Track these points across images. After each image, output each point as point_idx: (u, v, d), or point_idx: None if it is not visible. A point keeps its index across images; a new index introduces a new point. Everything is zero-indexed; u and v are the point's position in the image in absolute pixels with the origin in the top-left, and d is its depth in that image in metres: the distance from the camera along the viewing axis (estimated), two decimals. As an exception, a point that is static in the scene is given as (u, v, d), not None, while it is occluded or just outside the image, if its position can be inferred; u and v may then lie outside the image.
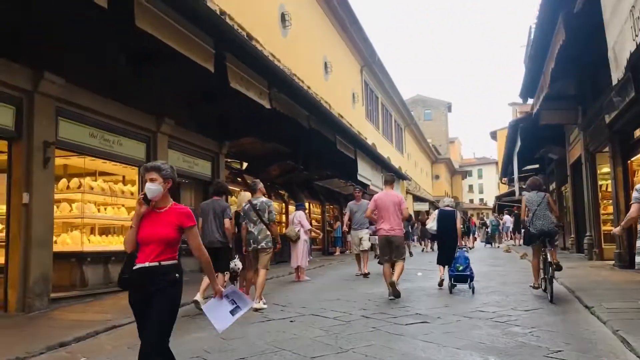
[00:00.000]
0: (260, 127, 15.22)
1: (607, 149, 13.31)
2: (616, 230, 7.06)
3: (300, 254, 12.55)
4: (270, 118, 14.12)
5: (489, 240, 30.54)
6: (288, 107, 13.78)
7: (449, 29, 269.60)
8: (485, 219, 45.57)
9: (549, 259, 8.28)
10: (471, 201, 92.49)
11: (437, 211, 10.73)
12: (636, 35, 5.62)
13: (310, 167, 21.23)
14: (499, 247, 28.09)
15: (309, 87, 18.85)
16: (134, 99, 10.72)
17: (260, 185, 8.77)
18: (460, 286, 9.51)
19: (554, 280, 8.28)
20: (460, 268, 9.34)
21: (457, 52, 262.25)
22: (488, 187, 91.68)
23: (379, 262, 10.39)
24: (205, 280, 8.00)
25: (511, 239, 33.10)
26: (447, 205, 10.54)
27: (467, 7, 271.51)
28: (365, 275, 12.52)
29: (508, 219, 32.51)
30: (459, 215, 10.39)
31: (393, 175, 10.76)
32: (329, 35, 27.31)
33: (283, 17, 20.93)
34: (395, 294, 8.56)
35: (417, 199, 47.12)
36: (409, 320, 6.73)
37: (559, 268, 8.42)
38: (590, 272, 11.24)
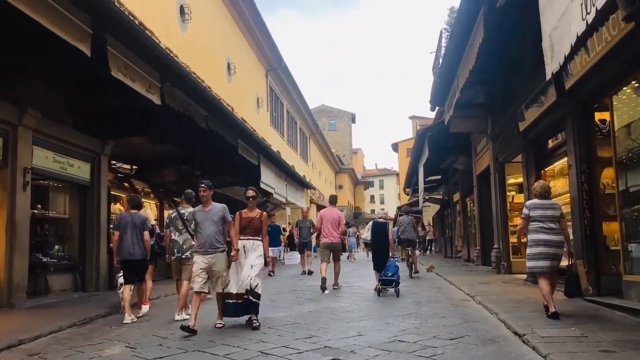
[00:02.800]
0: (151, 126, 13.53)
1: (518, 158, 12.89)
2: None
3: None
4: (163, 116, 12.53)
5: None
6: (183, 105, 12.22)
7: (355, 41, 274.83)
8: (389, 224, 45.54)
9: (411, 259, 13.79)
10: (372, 211, 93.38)
11: (371, 223, 11.95)
12: (587, 13, 4.75)
13: (209, 172, 19.65)
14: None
15: (209, 88, 17.34)
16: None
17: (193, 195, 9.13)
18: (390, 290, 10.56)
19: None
20: (390, 274, 10.55)
21: (361, 63, 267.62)
22: (389, 197, 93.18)
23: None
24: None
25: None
26: (381, 217, 11.99)
27: (372, 19, 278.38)
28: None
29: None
30: (390, 227, 11.99)
31: (335, 196, 13.22)
32: (233, 35, 25.86)
33: (182, 10, 19.30)
34: (323, 287, 11.28)
35: (321, 208, 46.34)
36: (316, 357, 5.50)
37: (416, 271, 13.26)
38: (505, 289, 10.57)
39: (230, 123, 15.95)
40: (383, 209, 16.61)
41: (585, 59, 7.65)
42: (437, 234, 35.89)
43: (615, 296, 7.87)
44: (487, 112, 15.01)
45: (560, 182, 11.33)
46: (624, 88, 7.60)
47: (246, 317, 7.54)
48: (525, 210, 7.36)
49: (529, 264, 7.37)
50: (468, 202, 21.97)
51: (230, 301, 7.50)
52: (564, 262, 7.46)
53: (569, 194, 10.15)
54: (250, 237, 7.73)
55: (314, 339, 6.39)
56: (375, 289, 10.88)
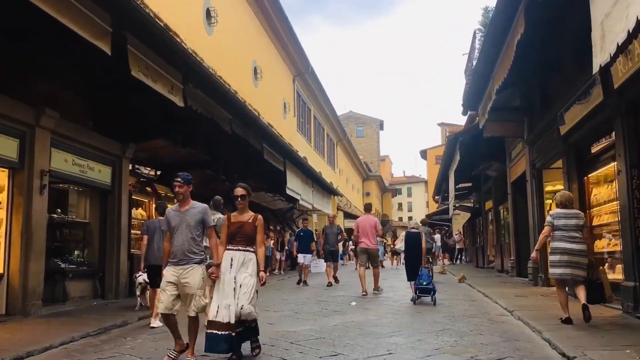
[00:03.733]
0: (174, 129, 13.22)
1: (557, 164, 12.16)
2: (533, 255, 8.15)
3: None
4: (186, 119, 12.20)
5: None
6: (207, 108, 11.87)
7: (383, 47, 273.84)
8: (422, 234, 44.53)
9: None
10: (400, 219, 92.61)
11: (404, 233, 12.60)
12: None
13: (234, 177, 19.28)
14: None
15: (235, 92, 16.95)
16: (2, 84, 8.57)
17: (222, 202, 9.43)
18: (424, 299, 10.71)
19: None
20: (425, 283, 10.66)
21: (390, 70, 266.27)
22: (417, 205, 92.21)
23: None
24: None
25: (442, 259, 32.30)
26: (413, 228, 12.22)
27: (401, 25, 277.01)
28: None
29: (439, 238, 31.49)
30: (423, 237, 12.12)
31: (370, 204, 14.87)
32: (260, 39, 25.56)
33: (208, 13, 19.02)
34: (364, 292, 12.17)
35: (348, 215, 45.78)
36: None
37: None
38: (545, 303, 9.86)
39: (255, 127, 15.60)
40: (412, 218, 16.33)
41: (639, 55, 6.97)
42: (468, 243, 34.95)
43: (671, 314, 7.15)
44: (524, 116, 14.28)
45: (604, 190, 10.60)
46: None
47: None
48: (549, 219, 7.67)
49: (551, 270, 7.65)
50: (501, 210, 21.16)
51: (216, 332, 5.68)
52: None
53: (615, 202, 9.47)
54: (241, 248, 6.01)
55: (340, 357, 5.84)
56: (411, 299, 10.86)
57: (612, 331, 6.75)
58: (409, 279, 11.55)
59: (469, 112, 19.10)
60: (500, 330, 7.41)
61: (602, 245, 10.70)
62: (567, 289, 7.69)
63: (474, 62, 14.74)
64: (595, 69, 5.59)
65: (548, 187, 14.08)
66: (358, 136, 75.06)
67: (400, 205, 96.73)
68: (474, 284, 14.99)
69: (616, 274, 9.88)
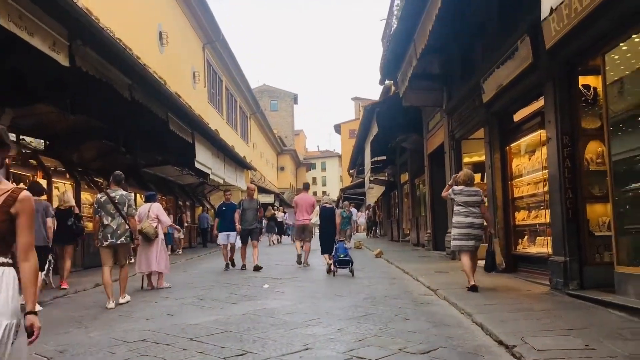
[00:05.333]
0: (62, 93, 11.57)
1: (478, 134, 11.71)
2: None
3: (155, 256, 9.89)
4: (78, 82, 10.62)
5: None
6: (100, 70, 10.33)
7: (298, 20, 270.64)
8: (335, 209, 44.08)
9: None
10: (314, 193, 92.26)
11: (318, 207, 12.62)
12: None
13: (136, 150, 17.71)
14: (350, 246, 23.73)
15: (138, 57, 15.30)
16: None
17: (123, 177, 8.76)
18: (341, 271, 11.29)
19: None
20: (342, 255, 11.20)
21: (304, 43, 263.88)
22: (331, 179, 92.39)
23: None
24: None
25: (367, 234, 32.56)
26: (327, 203, 12.55)
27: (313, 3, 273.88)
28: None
29: (355, 212, 31.08)
30: (337, 211, 12.63)
31: (308, 183, 15.34)
32: (164, 0, 23.69)
33: (105, -33, 17.11)
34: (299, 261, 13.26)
35: (263, 190, 44.69)
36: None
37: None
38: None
39: (159, 95, 14.08)
40: (326, 192, 15.84)
41: (575, 9, 6.37)
42: (383, 217, 34.94)
43: (603, 290, 6.73)
44: (443, 84, 13.80)
45: (525, 160, 10.22)
46: (621, 44, 6.38)
47: None
48: (450, 191, 8.36)
49: (454, 243, 8.29)
50: (418, 183, 20.89)
51: None
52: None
53: (540, 173, 9.06)
54: None
55: (248, 357, 4.89)
56: (328, 271, 11.53)
57: (547, 312, 6.20)
58: (323, 252, 12.08)
59: (385, 83, 18.52)
60: (427, 314, 6.72)
61: (521, 217, 10.37)
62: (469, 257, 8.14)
63: (393, 28, 14.04)
64: (545, 13, 4.88)
65: (466, 159, 13.73)
66: (272, 110, 73.79)
67: (314, 179, 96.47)
68: (391, 259, 14.49)
69: (537, 247, 9.56)
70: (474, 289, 7.83)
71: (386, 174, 30.73)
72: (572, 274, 7.21)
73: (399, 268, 12.32)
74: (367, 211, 38.41)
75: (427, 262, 13.27)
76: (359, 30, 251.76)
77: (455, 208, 8.26)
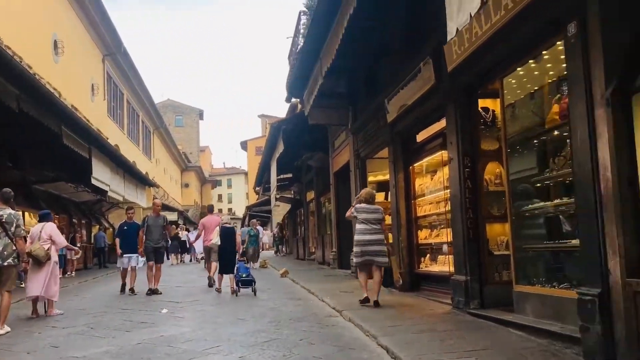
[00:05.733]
0: None
1: (382, 153, 11.83)
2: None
3: (45, 280, 8.99)
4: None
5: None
6: (-20, 77, 9.52)
7: (205, 35, 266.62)
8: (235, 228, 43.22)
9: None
10: (220, 211, 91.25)
11: (218, 227, 12.28)
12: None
13: (26, 164, 16.47)
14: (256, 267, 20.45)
15: (29, 67, 14.23)
16: None
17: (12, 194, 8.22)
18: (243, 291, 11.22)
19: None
20: (244, 275, 11.33)
21: (211, 59, 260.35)
22: (237, 196, 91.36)
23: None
24: None
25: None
26: (226, 223, 12.32)
27: (225, 15, 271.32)
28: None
29: (261, 230, 30.68)
30: (238, 231, 12.91)
31: (212, 205, 15.78)
32: (60, 8, 22.43)
33: (-8, -30, 15.94)
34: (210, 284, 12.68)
35: (166, 208, 43.18)
36: None
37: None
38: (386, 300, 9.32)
39: (52, 107, 13.15)
40: (231, 210, 15.55)
41: (476, 33, 6.53)
42: (289, 235, 34.78)
43: (503, 309, 6.87)
44: (349, 103, 13.88)
45: (427, 180, 10.43)
46: (518, 69, 6.61)
47: None
48: (353, 210, 8.73)
49: (356, 259, 8.63)
50: (324, 201, 20.92)
51: None
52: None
53: (442, 192, 9.24)
54: None
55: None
56: (217, 291, 11.74)
57: (450, 332, 6.22)
58: (222, 272, 11.91)
59: (291, 101, 18.48)
60: (332, 337, 6.55)
61: (423, 236, 10.54)
62: (368, 272, 8.59)
63: (299, 46, 14.01)
64: (451, 34, 4.91)
65: (370, 178, 13.86)
66: (177, 125, 72.20)
67: (220, 196, 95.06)
68: (297, 278, 14.30)
69: (439, 265, 9.72)
70: (366, 300, 8.38)
71: (292, 192, 30.68)
72: (473, 293, 7.33)
73: (304, 288, 12.13)
74: (276, 228, 38.16)
75: (333, 281, 13.19)
76: (267, 47, 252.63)
77: (357, 225, 8.58)
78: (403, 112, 9.77)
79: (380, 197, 13.80)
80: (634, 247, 4.32)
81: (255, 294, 10.92)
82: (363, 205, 8.64)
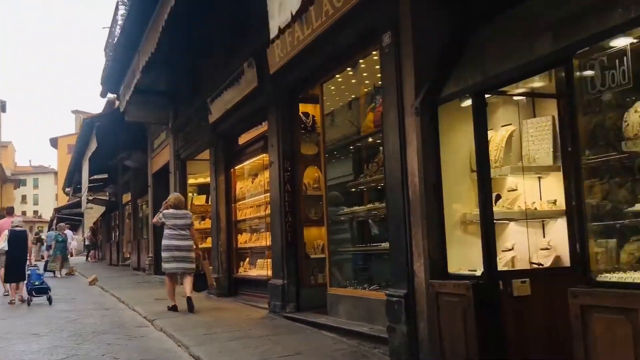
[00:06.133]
0: None
1: (204, 155, 11.48)
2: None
3: None
4: None
5: (47, 266, 18.15)
6: None
7: (12, 19, 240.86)
8: (41, 233, 39.45)
9: None
10: (24, 213, 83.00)
11: (7, 231, 10.98)
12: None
13: None
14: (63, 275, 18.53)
15: None
16: None
17: None
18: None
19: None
20: (37, 283, 10.41)
21: (17, 45, 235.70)
22: (45, 198, 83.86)
23: None
24: None
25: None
26: (17, 226, 11.12)
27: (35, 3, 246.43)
28: None
29: (70, 235, 28.25)
30: (29, 235, 11.59)
31: (12, 208, 14.03)
32: None
33: None
34: None
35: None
36: None
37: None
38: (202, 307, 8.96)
39: None
40: (37, 212, 13.91)
41: (298, 37, 6.56)
42: (102, 239, 32.58)
43: (318, 311, 6.95)
44: (171, 101, 13.30)
45: (248, 183, 10.33)
46: (337, 76, 6.76)
47: None
48: (161, 216, 8.54)
49: (165, 265, 8.49)
50: (141, 204, 19.87)
51: None
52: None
53: (262, 196, 9.18)
54: None
55: None
56: (19, 300, 10.49)
57: (265, 338, 6.11)
58: (7, 281, 10.81)
59: (108, 96, 17.27)
60: (140, 350, 6.08)
61: (244, 239, 10.42)
62: (178, 279, 8.63)
63: (116, 37, 13.11)
64: (274, 32, 4.81)
65: (190, 180, 13.43)
66: (-29, 117, 64.19)
67: (24, 197, 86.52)
68: (107, 286, 13.29)
69: (258, 269, 9.65)
70: (174, 308, 8.24)
71: (107, 194, 28.82)
72: (290, 297, 7.32)
73: (114, 296, 11.30)
74: (88, 232, 35.46)
75: (147, 288, 12.49)
76: (83, 38, 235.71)
77: (165, 231, 8.43)
78: (226, 113, 9.55)
79: (201, 200, 13.47)
80: (437, 249, 4.55)
81: (50, 303, 10.10)
82: (171, 210, 8.53)
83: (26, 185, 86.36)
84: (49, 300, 10.21)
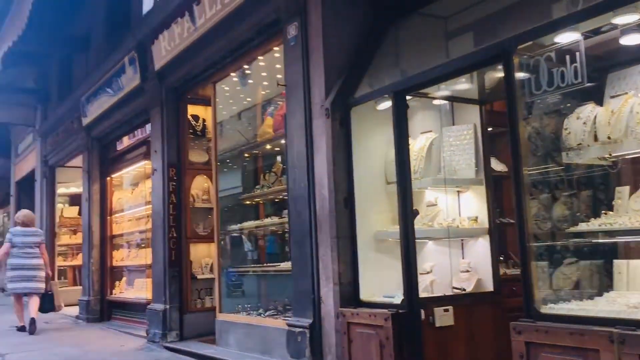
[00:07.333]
0: None
1: (76, 161, 10.21)
2: None
3: None
4: None
5: None
6: None
7: None
8: None
9: None
10: None
11: None
12: None
13: None
14: None
15: None
16: None
17: None
18: None
19: None
20: None
21: None
22: None
23: None
24: None
25: None
26: None
27: None
28: None
29: None
30: None
31: None
32: None
33: None
34: None
35: None
36: None
37: None
38: (52, 337, 7.73)
39: None
40: None
41: (189, 28, 5.78)
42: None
43: (205, 339, 6.12)
44: (38, 101, 11.83)
45: (126, 194, 9.26)
46: (232, 74, 6.02)
47: None
48: (8, 236, 8.25)
49: (9, 285, 8.15)
50: (1, 216, 17.78)
51: None
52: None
53: (144, 207, 8.18)
54: None
55: None
56: None
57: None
58: None
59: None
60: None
61: (120, 257, 9.32)
62: (24, 299, 8.25)
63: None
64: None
65: (61, 189, 12.03)
66: None
67: None
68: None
69: (136, 291, 8.60)
70: (22, 329, 7.90)
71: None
72: (172, 324, 6.41)
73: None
74: None
75: (3, 312, 10.87)
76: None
77: (13, 250, 8.10)
78: (103, 114, 8.49)
79: (72, 212, 12.07)
80: (348, 272, 3.97)
81: None
82: (20, 228, 8.26)
83: None
84: None
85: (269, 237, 5.93)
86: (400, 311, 3.51)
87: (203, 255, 6.87)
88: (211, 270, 6.65)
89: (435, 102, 4.18)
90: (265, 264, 5.83)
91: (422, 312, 3.55)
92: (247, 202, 6.21)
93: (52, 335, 7.94)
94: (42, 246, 8.32)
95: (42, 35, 9.13)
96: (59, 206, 12.05)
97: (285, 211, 5.53)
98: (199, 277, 6.78)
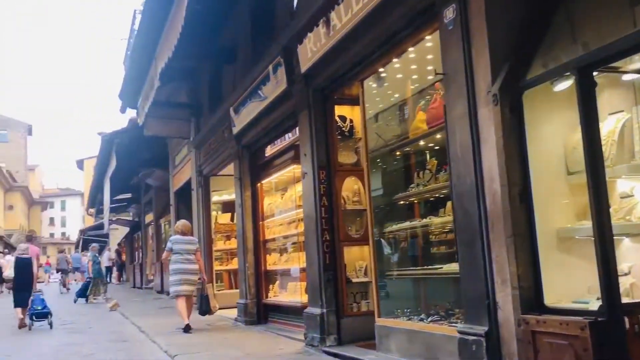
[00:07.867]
0: None
1: (228, 170, 10.59)
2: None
3: None
4: None
5: (84, 292, 16.95)
6: None
7: (35, 43, 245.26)
8: (68, 254, 38.84)
9: None
10: (52, 235, 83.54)
11: (13, 259, 11.65)
12: None
13: None
14: (98, 300, 17.03)
15: None
16: None
17: None
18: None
19: None
20: (39, 308, 10.41)
21: (43, 70, 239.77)
22: (72, 219, 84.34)
23: None
24: None
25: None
26: (24, 253, 10.81)
27: (61, 21, 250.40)
28: None
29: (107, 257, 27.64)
30: (35, 262, 10.78)
31: (31, 235, 12.57)
32: None
33: None
34: None
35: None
36: None
37: None
38: (214, 338, 8.02)
39: None
40: (65, 234, 13.50)
41: (334, 26, 5.65)
42: (126, 261, 31.95)
43: (364, 345, 5.95)
44: (192, 114, 12.46)
45: (276, 199, 9.40)
46: (380, 70, 5.80)
47: None
48: (169, 244, 9.04)
49: (172, 289, 8.93)
50: (163, 224, 19.10)
51: None
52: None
53: (295, 212, 8.22)
54: None
55: None
56: (20, 326, 10.37)
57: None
58: (17, 305, 10.59)
59: (129, 112, 16.57)
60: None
61: (272, 261, 9.47)
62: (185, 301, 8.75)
63: (131, 46, 12.41)
64: None
65: (215, 197, 12.60)
66: (1, 141, 64.67)
67: (52, 219, 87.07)
68: (128, 312, 12.44)
69: (289, 294, 8.67)
70: (187, 328, 8.47)
71: (130, 214, 28.26)
72: (330, 328, 6.31)
73: (135, 325, 10.39)
74: (114, 254, 34.88)
75: (170, 314, 11.46)
76: (107, 57, 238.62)
77: (173, 256, 8.86)
78: (251, 122, 8.67)
79: (225, 218, 12.61)
80: (528, 275, 3.55)
81: (51, 327, 10.22)
82: (179, 236, 9.04)
83: (54, 208, 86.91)
84: (50, 325, 10.26)
85: (426, 238, 5.60)
86: (599, 319, 3.04)
87: (356, 258, 6.72)
88: (365, 273, 6.49)
89: (625, 77, 3.62)
90: (424, 267, 5.51)
91: (627, 319, 3.05)
92: (401, 202, 5.94)
93: (214, 337, 8.23)
94: (197, 253, 9.08)
95: (193, 50, 9.60)
96: (213, 213, 12.67)
97: (443, 209, 5.23)
98: (353, 280, 6.63)
